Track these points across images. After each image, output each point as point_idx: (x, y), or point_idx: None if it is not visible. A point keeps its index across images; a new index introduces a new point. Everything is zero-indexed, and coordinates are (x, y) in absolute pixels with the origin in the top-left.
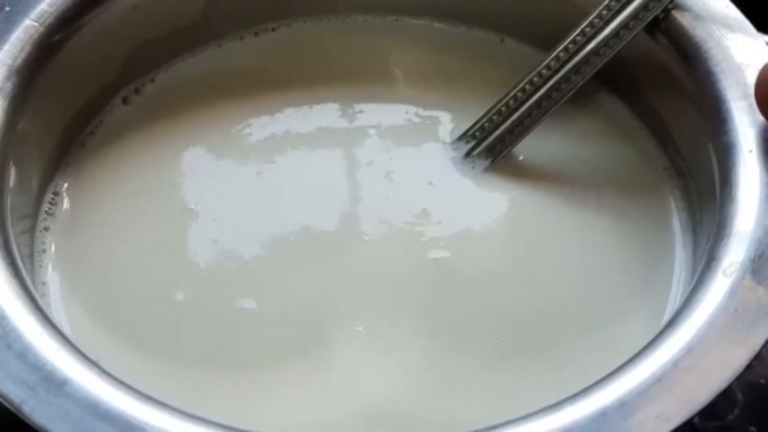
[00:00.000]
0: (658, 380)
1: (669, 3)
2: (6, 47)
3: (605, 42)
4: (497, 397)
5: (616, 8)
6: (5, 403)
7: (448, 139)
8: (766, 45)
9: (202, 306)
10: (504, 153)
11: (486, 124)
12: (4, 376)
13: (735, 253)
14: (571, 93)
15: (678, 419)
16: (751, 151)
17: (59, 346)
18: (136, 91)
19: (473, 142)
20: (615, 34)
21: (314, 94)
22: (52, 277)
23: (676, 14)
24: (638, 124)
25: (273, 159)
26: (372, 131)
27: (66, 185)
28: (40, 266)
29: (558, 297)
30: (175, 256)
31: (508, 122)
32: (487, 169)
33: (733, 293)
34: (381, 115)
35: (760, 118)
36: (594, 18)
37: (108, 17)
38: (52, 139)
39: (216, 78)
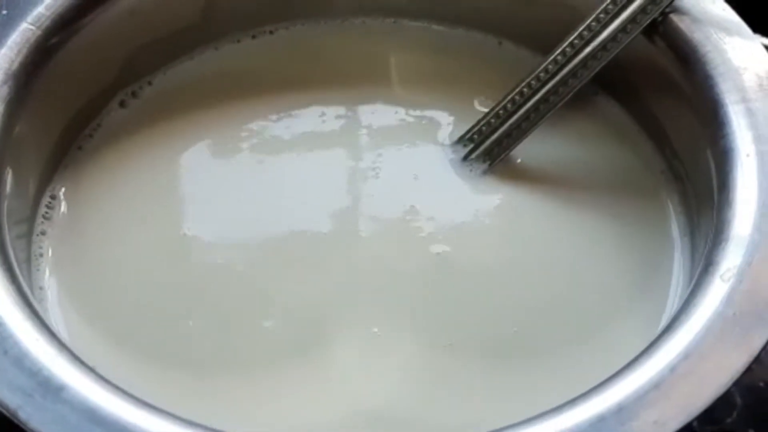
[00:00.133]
0: (656, 386)
1: (666, 6)
2: (3, 51)
3: (603, 46)
4: (495, 401)
5: (614, 12)
6: (1, 409)
7: (446, 142)
8: (762, 47)
9: (200, 310)
10: (502, 156)
11: (484, 128)
12: (0, 382)
13: (733, 258)
14: (569, 96)
15: (675, 425)
16: (748, 155)
17: (56, 351)
18: (134, 94)
19: (471, 146)
20: (612, 37)
21: (313, 97)
22: (49, 281)
23: (674, 18)
24: (636, 127)
25: (272, 161)
26: (369, 134)
27: (63, 189)
28: (37, 270)
29: (555, 301)
30: (172, 259)
31: (506, 125)
32: (485, 172)
33: (730, 298)
34: (378, 117)
35: (758, 121)
36: (591, 21)
37: (105, 20)
38: (50, 143)
39: (214, 81)
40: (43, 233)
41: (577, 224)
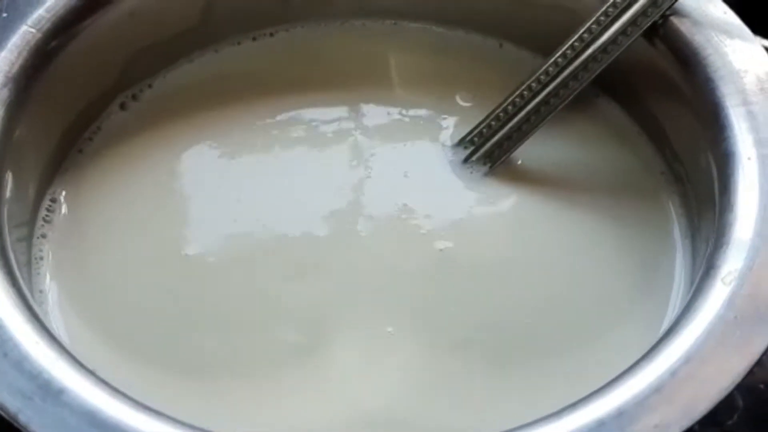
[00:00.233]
0: (657, 390)
1: (667, 9)
2: (3, 54)
3: (603, 48)
4: (495, 403)
5: (614, 14)
6: (1, 413)
7: (447, 144)
8: (763, 49)
9: (201, 313)
10: (502, 158)
11: (484, 130)
12: (0, 385)
13: (734, 261)
14: (570, 99)
15: (676, 429)
16: (749, 158)
17: (56, 354)
18: (134, 96)
19: (472, 148)
20: (613, 40)
21: (313, 99)
22: (49, 285)
23: (675, 20)
24: (636, 129)
25: (272, 162)
26: (369, 135)
27: (63, 192)
28: (38, 274)
29: (556, 304)
30: (173, 262)
31: (507, 128)
32: (485, 175)
33: (731, 302)
34: (379, 119)
35: (759, 124)
36: (592, 24)
37: (105, 23)
38: (50, 146)
39: (214, 83)
40: (43, 236)
41: (577, 226)
